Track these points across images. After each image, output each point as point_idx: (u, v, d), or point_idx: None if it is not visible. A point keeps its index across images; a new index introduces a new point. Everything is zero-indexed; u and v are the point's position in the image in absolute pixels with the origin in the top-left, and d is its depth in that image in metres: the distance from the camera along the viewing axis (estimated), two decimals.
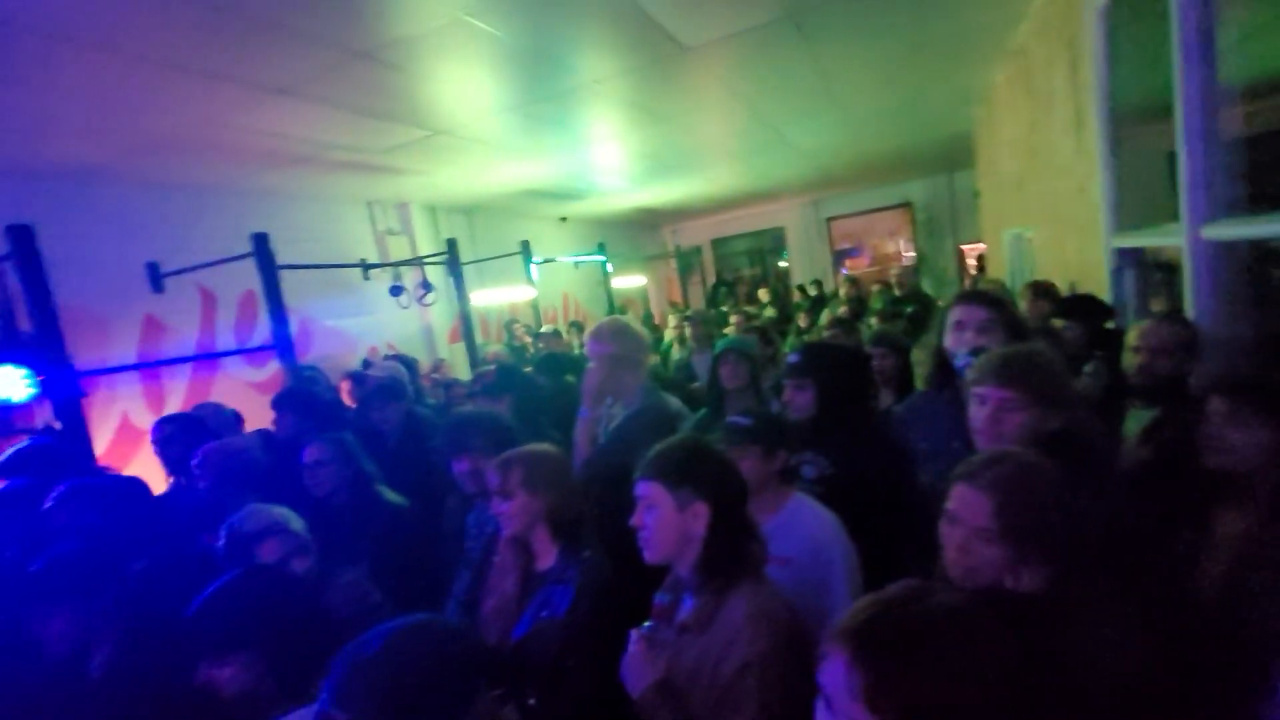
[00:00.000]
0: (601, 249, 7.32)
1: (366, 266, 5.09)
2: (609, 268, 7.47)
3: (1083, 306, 2.79)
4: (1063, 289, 3.53)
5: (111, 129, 3.17)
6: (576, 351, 5.56)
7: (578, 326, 6.80)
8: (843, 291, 6.39)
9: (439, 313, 6.35)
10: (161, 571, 2.11)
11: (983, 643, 0.80)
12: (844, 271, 11.42)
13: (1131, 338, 1.93)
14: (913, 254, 11.21)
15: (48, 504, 2.00)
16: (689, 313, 5.21)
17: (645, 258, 9.56)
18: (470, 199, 6.67)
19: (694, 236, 12.41)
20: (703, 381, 4.11)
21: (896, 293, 6.14)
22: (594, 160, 5.87)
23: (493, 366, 3.65)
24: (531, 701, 1.44)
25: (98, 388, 3.69)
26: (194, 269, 3.95)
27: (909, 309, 5.71)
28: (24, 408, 2.92)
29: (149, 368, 3.95)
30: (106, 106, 2.90)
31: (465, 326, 5.27)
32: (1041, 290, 3.46)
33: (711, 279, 12.20)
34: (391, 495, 2.36)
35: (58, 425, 2.75)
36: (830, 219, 11.72)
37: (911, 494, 1.93)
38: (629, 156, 5.97)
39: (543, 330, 6.02)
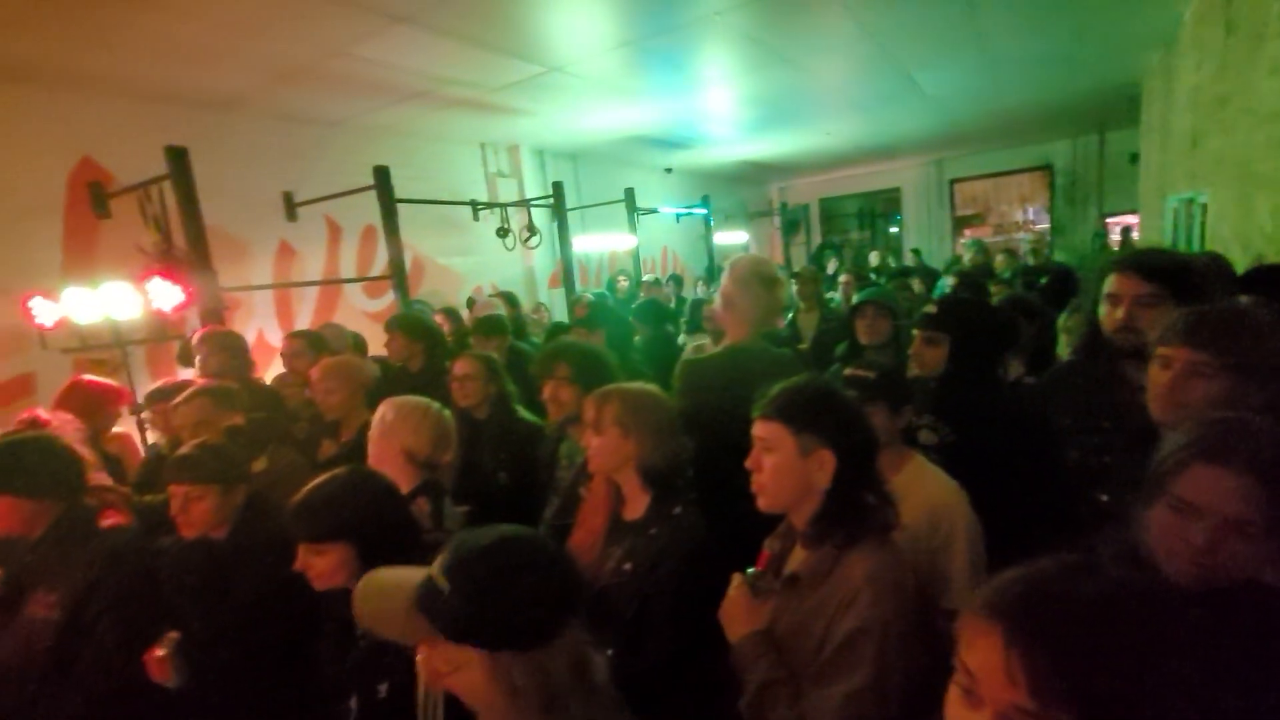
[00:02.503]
0: (705, 202, 7.11)
1: (477, 206, 5.20)
2: (711, 222, 7.26)
3: (1275, 279, 2.36)
4: (1244, 262, 3.02)
5: (246, 55, 3.35)
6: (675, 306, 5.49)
7: (677, 280, 6.70)
8: (967, 258, 5.86)
9: (541, 258, 6.45)
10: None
11: (1176, 627, 0.66)
12: (964, 239, 10.52)
13: None
14: (1046, 224, 10.14)
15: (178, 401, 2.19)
16: (797, 269, 4.96)
17: (749, 214, 9.22)
18: (577, 144, 6.64)
19: (801, 195, 11.83)
20: (806, 344, 3.93)
21: (1030, 261, 5.55)
22: (705, 105, 5.64)
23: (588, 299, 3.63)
24: (610, 652, 1.41)
25: (238, 305, 4.04)
26: (323, 199, 4.19)
27: (1043, 280, 5.18)
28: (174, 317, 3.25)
29: (282, 288, 4.26)
30: (237, 31, 3.05)
31: (566, 271, 5.31)
32: None
33: (817, 240, 11.64)
34: (528, 414, 2.41)
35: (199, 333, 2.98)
36: (954, 180, 10.78)
37: (1049, 472, 1.73)
38: (742, 102, 5.69)
39: (644, 278, 5.97)
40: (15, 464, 1.70)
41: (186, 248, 3.09)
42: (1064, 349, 2.57)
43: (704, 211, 7.05)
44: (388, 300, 5.02)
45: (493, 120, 5.29)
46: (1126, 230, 8.49)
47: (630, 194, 6.18)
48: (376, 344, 3.80)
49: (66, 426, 2.17)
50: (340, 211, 4.64)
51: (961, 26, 4.21)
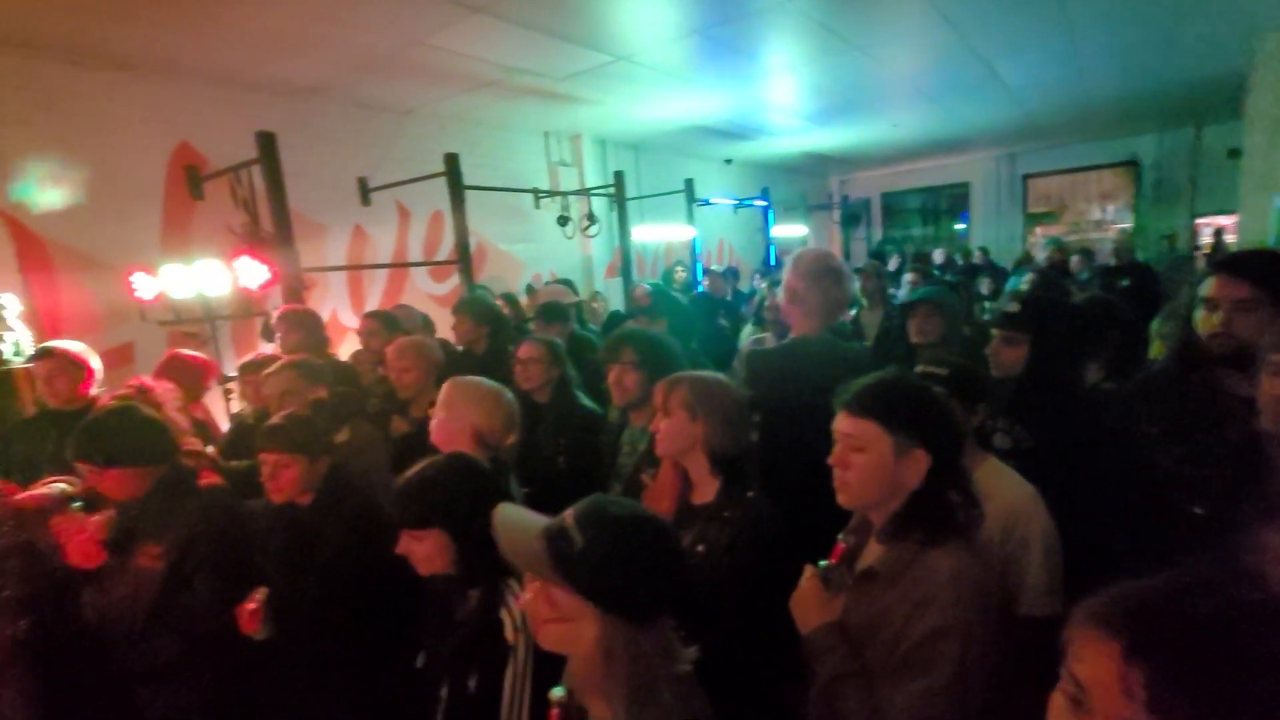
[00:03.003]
0: (765, 194, 7.01)
1: (539, 194, 5.29)
2: (770, 214, 7.16)
3: None
4: None
5: (331, 44, 3.50)
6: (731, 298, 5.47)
7: (733, 273, 6.65)
8: (1042, 256, 5.60)
9: (599, 247, 6.51)
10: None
11: None
12: (1036, 237, 10.03)
13: None
14: (1126, 224, 9.54)
15: None
16: (861, 265, 4.84)
17: (808, 207, 9.04)
18: (639, 134, 6.65)
19: (862, 188, 11.51)
20: (869, 340, 3.85)
21: (1112, 262, 5.26)
22: (769, 95, 5.55)
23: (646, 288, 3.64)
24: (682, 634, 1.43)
25: (314, 285, 4.23)
26: (395, 185, 4.33)
27: (1124, 282, 4.91)
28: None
29: (355, 270, 4.45)
30: (324, 20, 3.18)
31: (624, 260, 5.35)
32: None
33: (878, 235, 11.32)
34: (587, 400, 2.45)
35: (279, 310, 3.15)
36: (1028, 176, 10.28)
37: (1132, 482, 1.66)
38: (808, 91, 5.57)
39: (712, 267, 5.95)
40: (116, 438, 1.81)
41: (272, 229, 3.26)
42: (1158, 355, 2.44)
43: (764, 203, 6.95)
44: (451, 284, 5.18)
45: (557, 109, 5.35)
46: (1219, 232, 7.93)
47: (690, 184, 6.16)
48: (439, 326, 3.94)
49: (168, 394, 2.33)
50: (410, 197, 4.79)
51: (1049, 12, 4.00)
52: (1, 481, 1.99)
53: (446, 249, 5.10)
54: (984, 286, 5.89)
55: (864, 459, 1.13)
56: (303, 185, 4.15)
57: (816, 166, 10.30)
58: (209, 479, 2.06)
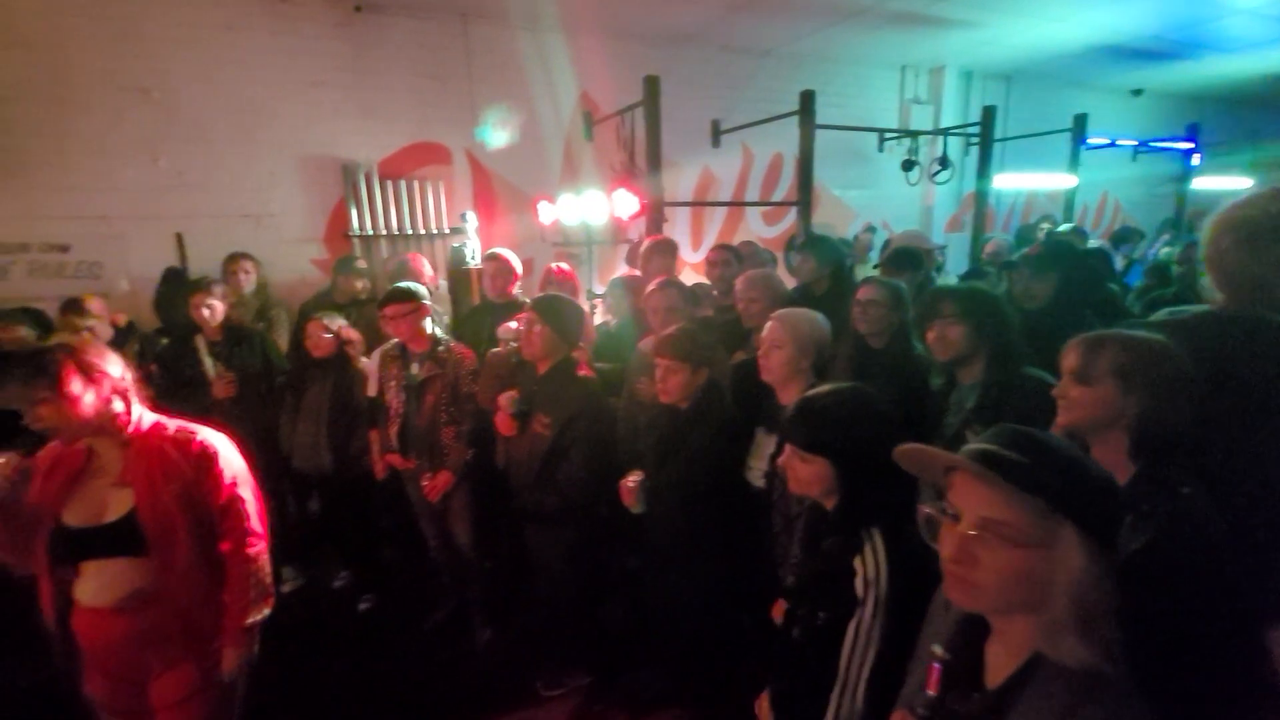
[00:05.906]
0: (1193, 134, 5.36)
1: (886, 135, 4.92)
2: (1196, 161, 5.47)
3: None
4: None
5: None
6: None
7: (1126, 235, 5.34)
8: None
9: (942, 196, 5.84)
10: None
11: None
12: None
13: None
14: None
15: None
16: None
17: (1258, 154, 6.65)
18: (1016, 62, 5.64)
19: None
20: None
21: None
22: None
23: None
24: None
25: (668, 219, 4.68)
26: (745, 126, 4.47)
27: None
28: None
29: (698, 207, 4.80)
30: None
31: (978, 210, 4.69)
32: None
33: None
34: (927, 353, 2.34)
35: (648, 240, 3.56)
36: None
37: None
38: None
39: (1061, 226, 4.93)
40: (559, 309, 2.29)
41: (644, 166, 3.66)
42: None
43: (1189, 146, 5.33)
44: (781, 227, 5.23)
45: (921, 38, 4.83)
46: None
47: (1080, 121, 5.03)
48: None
49: None
50: (755, 139, 4.91)
51: None
52: (459, 345, 2.69)
53: (780, 192, 5.14)
54: None
55: None
56: (665, 127, 4.56)
57: None
58: (584, 372, 2.47)
